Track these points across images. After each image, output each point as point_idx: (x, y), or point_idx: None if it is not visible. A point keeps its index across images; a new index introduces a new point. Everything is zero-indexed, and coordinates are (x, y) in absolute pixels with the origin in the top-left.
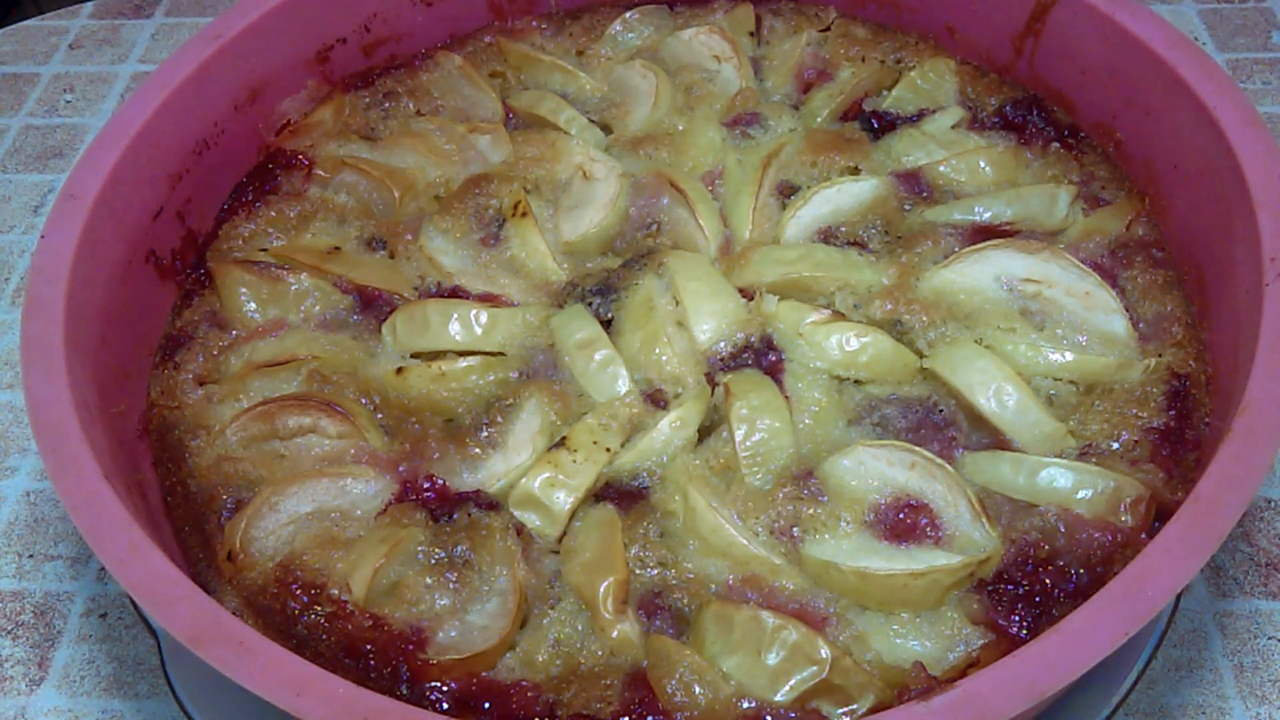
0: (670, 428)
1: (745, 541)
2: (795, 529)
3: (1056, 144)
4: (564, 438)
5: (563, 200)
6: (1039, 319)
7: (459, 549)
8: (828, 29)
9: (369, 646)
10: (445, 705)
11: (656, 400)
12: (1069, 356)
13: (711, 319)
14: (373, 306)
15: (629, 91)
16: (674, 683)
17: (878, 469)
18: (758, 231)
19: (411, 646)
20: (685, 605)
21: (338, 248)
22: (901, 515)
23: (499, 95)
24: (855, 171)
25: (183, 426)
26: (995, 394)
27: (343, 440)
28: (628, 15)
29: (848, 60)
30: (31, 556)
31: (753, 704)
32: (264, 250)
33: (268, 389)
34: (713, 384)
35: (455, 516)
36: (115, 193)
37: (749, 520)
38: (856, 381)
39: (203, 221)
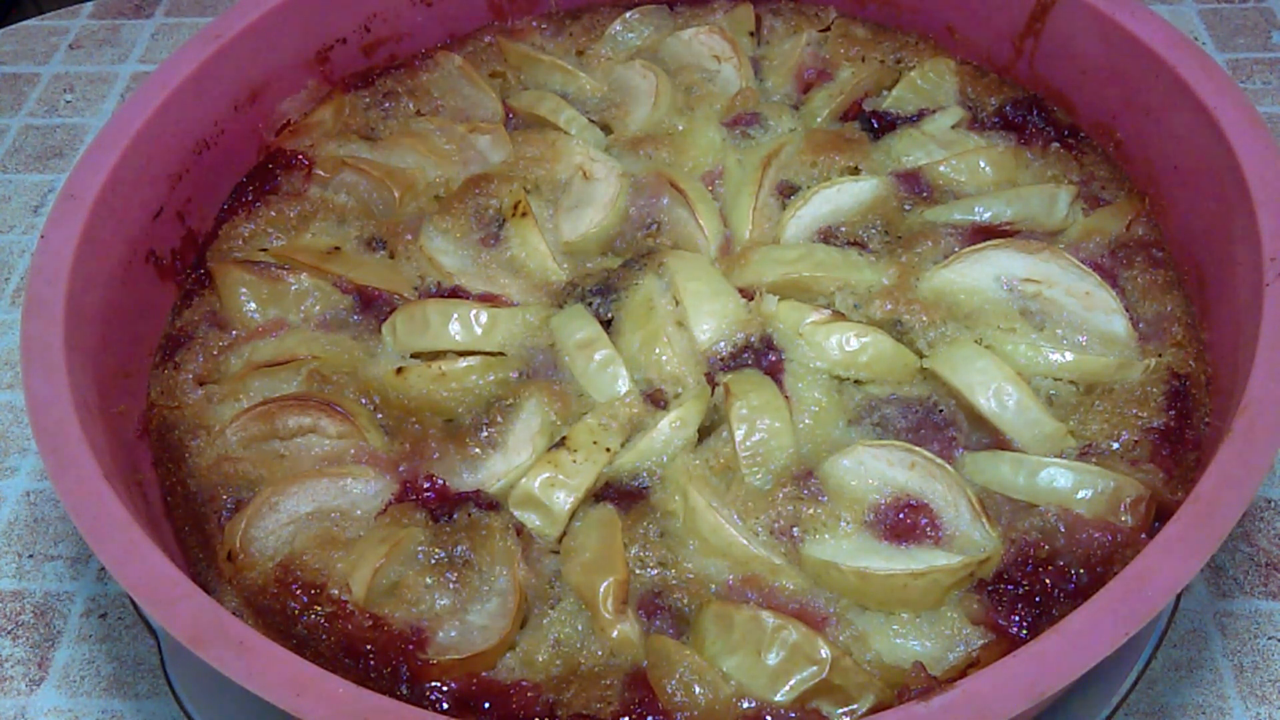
0: (670, 428)
1: (745, 541)
2: (795, 529)
3: (1056, 144)
4: (564, 438)
5: (563, 200)
6: (1039, 319)
7: (459, 549)
8: (828, 29)
9: (369, 646)
10: (445, 705)
11: (656, 400)
12: (1069, 356)
13: (711, 319)
14: (373, 306)
15: (629, 91)
16: (674, 683)
17: (878, 469)
18: (758, 231)
19: (411, 646)
20: (685, 605)
21: (338, 248)
22: (901, 515)
23: (499, 95)
24: (855, 171)
25: (183, 426)
26: (995, 394)
27: (343, 440)
28: (628, 15)
29: (848, 60)
30: (31, 556)
31: (753, 704)
32: (264, 250)
33: (268, 389)
34: (713, 384)
35: (455, 516)
36: (115, 193)
37: (749, 520)
38: (856, 381)
39: (203, 221)
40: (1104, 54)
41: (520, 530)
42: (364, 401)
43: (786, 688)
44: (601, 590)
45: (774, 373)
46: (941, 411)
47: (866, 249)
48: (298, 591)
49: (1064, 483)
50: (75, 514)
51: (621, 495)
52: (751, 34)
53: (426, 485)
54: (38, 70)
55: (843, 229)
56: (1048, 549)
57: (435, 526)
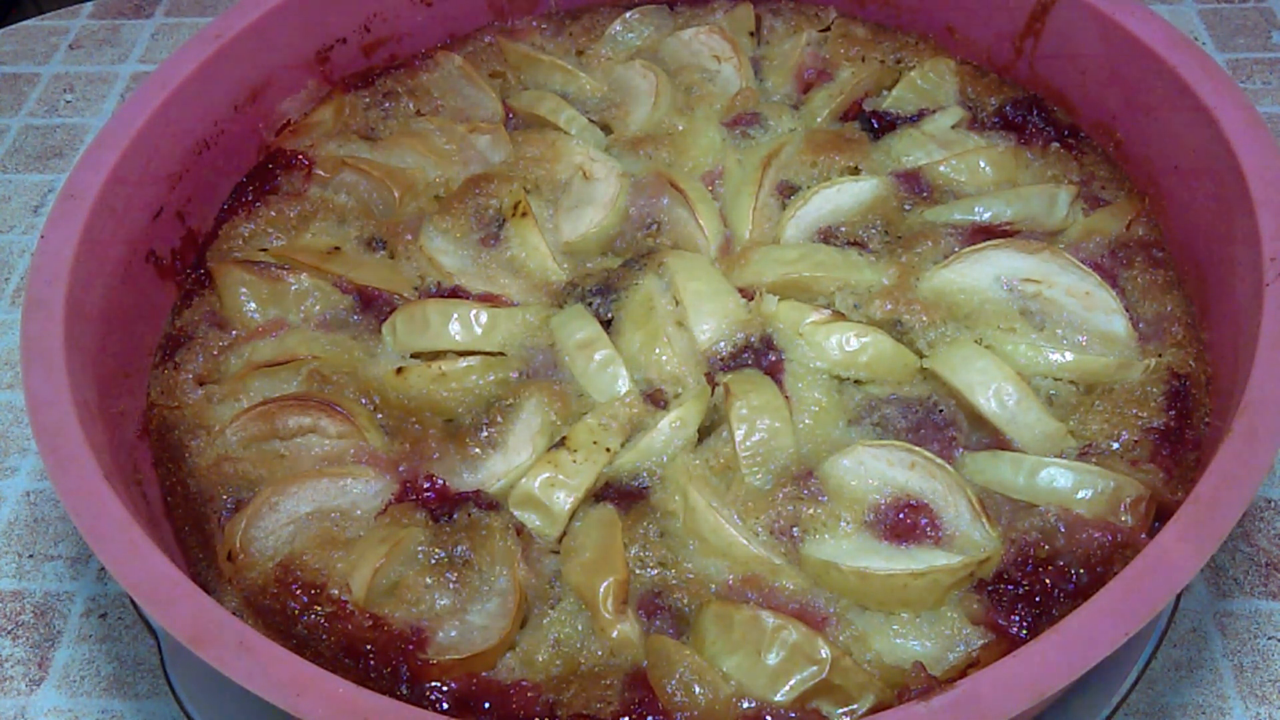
0: (670, 428)
1: (745, 541)
2: (795, 529)
3: (1056, 144)
4: (564, 438)
5: (563, 200)
6: (1039, 319)
7: (459, 549)
8: (828, 29)
9: (369, 646)
10: (445, 705)
11: (656, 400)
12: (1069, 356)
13: (711, 319)
14: (373, 306)
15: (629, 91)
16: (674, 683)
17: (878, 469)
18: (758, 231)
19: (411, 646)
20: (685, 605)
21: (338, 248)
22: (901, 515)
23: (499, 95)
24: (855, 171)
25: (183, 426)
26: (995, 394)
27: (343, 440)
28: (628, 15)
29: (848, 60)
30: (31, 556)
31: (753, 704)
32: (264, 250)
33: (268, 389)
34: (713, 384)
35: (455, 516)
36: (115, 193)
37: (749, 520)
38: (856, 381)
39: (203, 221)
40: (1104, 54)
41: (520, 530)
42: (364, 401)
43: (786, 688)
44: (601, 590)
45: (774, 373)
46: (941, 411)
47: (866, 249)
48: (298, 591)
49: (1064, 483)
50: (75, 514)
51: (621, 495)
52: (751, 34)
53: (426, 485)
54: (38, 70)
55: (843, 229)
56: (1048, 549)
57: (435, 526)
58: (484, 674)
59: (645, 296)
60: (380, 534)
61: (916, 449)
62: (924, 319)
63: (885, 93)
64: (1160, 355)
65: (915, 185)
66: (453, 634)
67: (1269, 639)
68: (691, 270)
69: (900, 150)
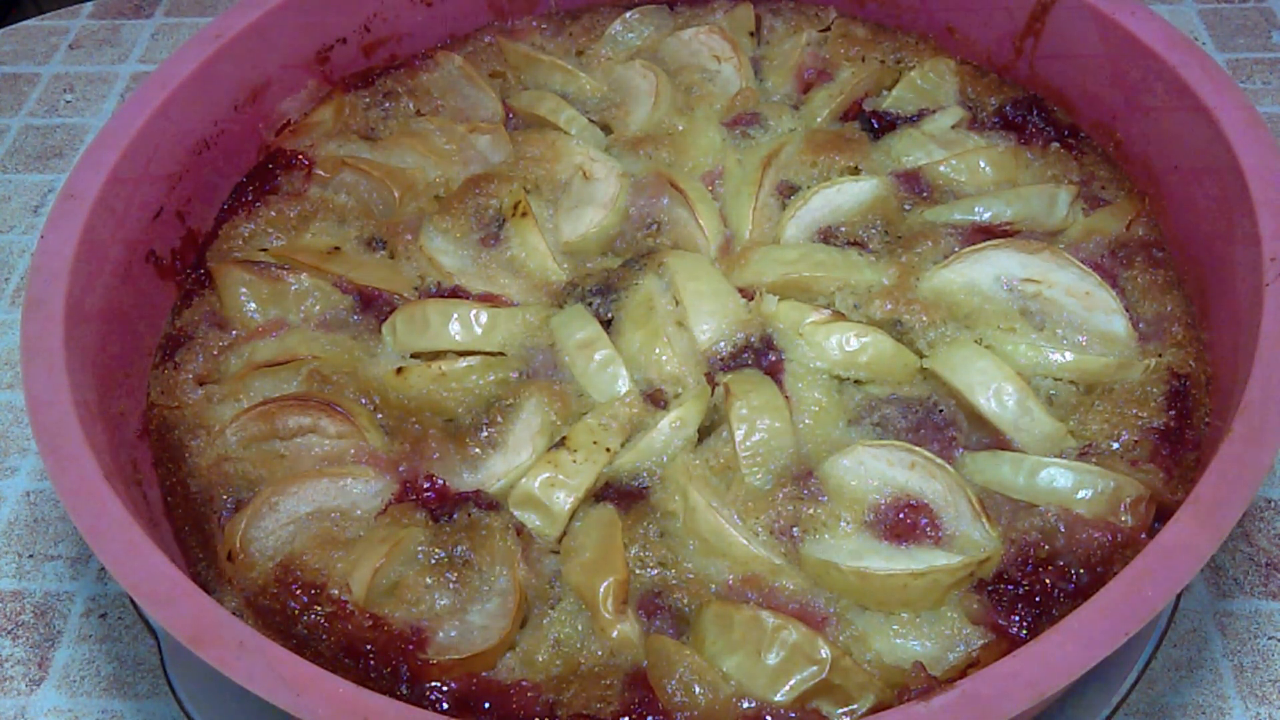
0: (670, 428)
1: (745, 541)
2: (795, 529)
3: (1056, 144)
4: (564, 438)
5: (563, 200)
6: (1039, 319)
7: (459, 549)
8: (828, 29)
9: (369, 646)
10: (445, 705)
11: (656, 400)
12: (1069, 356)
13: (711, 319)
14: (373, 306)
15: (629, 91)
16: (674, 683)
17: (878, 469)
18: (758, 231)
19: (411, 646)
20: (685, 605)
21: (338, 248)
22: (901, 515)
23: (499, 95)
24: (855, 171)
25: (183, 426)
26: (995, 394)
27: (343, 440)
28: (628, 15)
29: (848, 60)
30: (31, 556)
31: (753, 704)
32: (264, 250)
33: (268, 389)
34: (713, 384)
35: (455, 516)
36: (115, 193)
37: (749, 520)
38: (856, 381)
39: (203, 221)
40: (1104, 54)
41: (520, 530)
42: (364, 401)
43: (786, 688)
44: (601, 590)
45: (774, 373)
46: (941, 411)
47: (866, 249)
48: (298, 591)
49: (1064, 483)
50: (75, 514)
51: (621, 495)
52: (751, 34)
53: (426, 485)
54: (38, 70)
55: (843, 229)
56: (1048, 549)
57: (435, 526)
58: (484, 674)
59: (645, 296)
60: (380, 534)
61: (916, 449)
62: (924, 319)
63: (885, 93)
64: (1160, 355)
65: (915, 185)
66: (453, 634)
67: (1269, 639)
68: (691, 270)
69: (900, 150)
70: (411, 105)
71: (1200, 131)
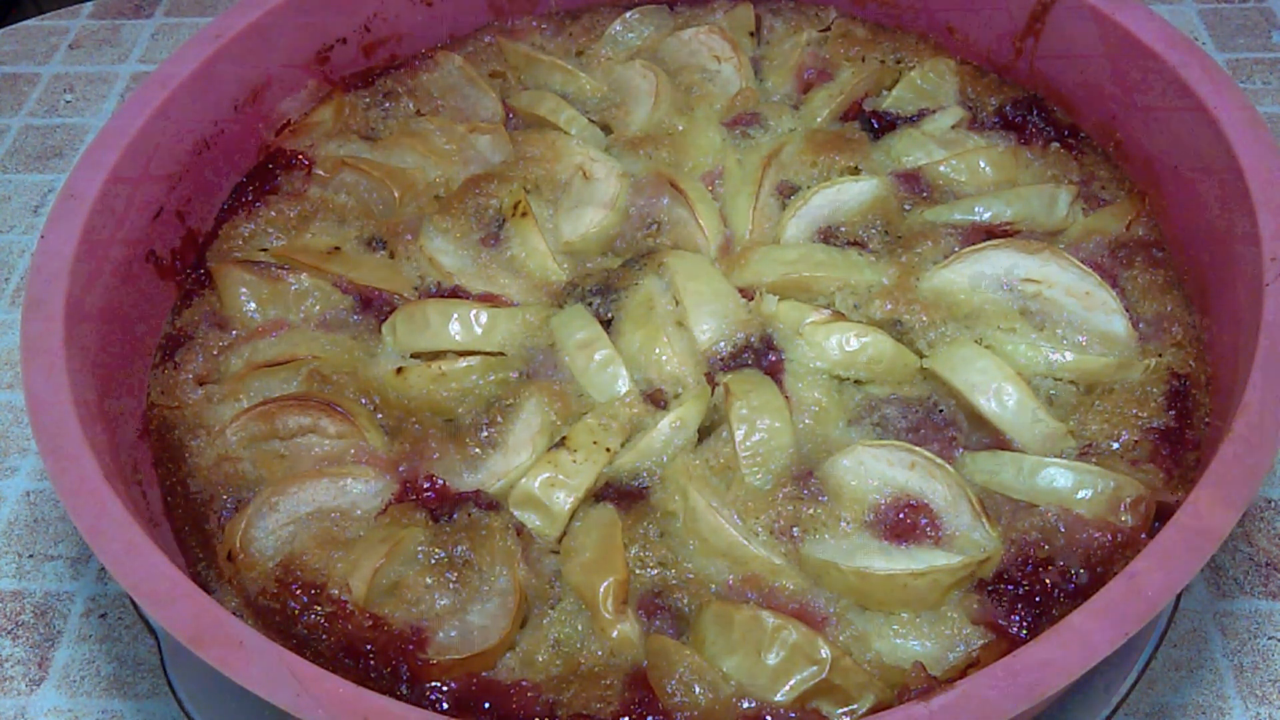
0: (670, 427)
1: (745, 541)
2: (795, 529)
3: (1056, 144)
4: (564, 438)
5: (563, 200)
6: (1039, 319)
7: (459, 549)
8: (828, 29)
9: (369, 646)
10: (445, 705)
11: (656, 400)
12: (1069, 356)
13: (711, 319)
14: (373, 306)
15: (629, 91)
16: (674, 683)
17: (878, 469)
18: (758, 231)
19: (411, 646)
20: (685, 605)
21: (338, 248)
22: (901, 515)
23: (499, 95)
24: (855, 171)
25: (183, 426)
26: (995, 394)
27: (343, 440)
28: (628, 15)
29: (848, 60)
30: (31, 556)
31: (753, 704)
32: (264, 250)
33: (268, 389)
34: (713, 384)
35: (455, 516)
36: (115, 193)
37: (749, 520)
38: (856, 381)
39: (203, 221)
40: (1104, 54)
41: (520, 530)
42: (364, 401)
43: (786, 688)
44: (601, 590)
45: (774, 373)
46: (941, 411)
47: (866, 249)
48: (298, 591)
49: (1064, 483)
50: (75, 514)
51: (621, 495)
52: (751, 34)
53: (426, 485)
54: (38, 70)
55: (843, 229)
56: (1048, 549)
57: (435, 526)
58: (484, 674)
59: (645, 296)
60: (380, 534)
61: (916, 449)
62: (924, 319)
63: (885, 93)
64: (1160, 355)
65: (915, 185)
66: (453, 634)
67: (1269, 639)
68: (691, 270)
69: (900, 150)
70: (411, 105)
71: (1200, 131)
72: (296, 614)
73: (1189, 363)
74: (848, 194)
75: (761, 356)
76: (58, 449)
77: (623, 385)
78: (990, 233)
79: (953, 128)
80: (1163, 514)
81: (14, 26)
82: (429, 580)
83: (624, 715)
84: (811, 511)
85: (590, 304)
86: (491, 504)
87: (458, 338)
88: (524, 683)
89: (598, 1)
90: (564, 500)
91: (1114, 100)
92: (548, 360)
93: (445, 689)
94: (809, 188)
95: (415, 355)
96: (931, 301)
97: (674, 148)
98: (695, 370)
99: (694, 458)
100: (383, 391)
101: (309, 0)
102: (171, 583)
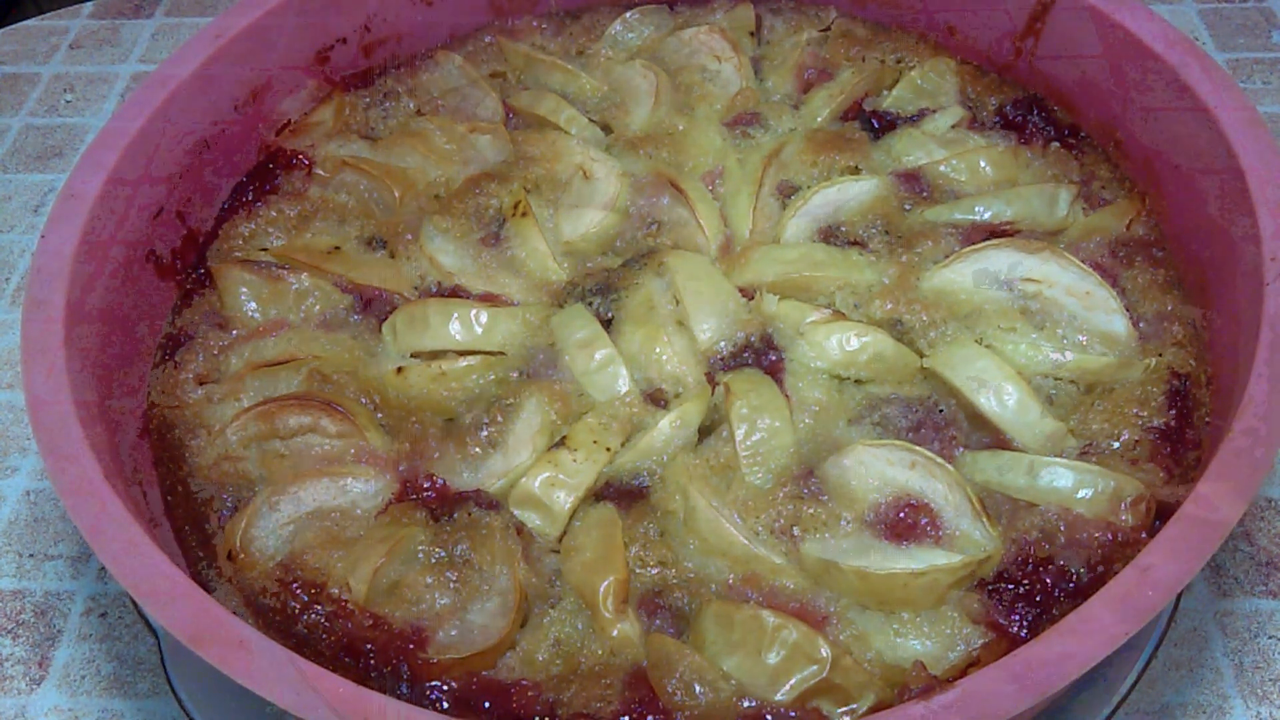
0: (670, 427)
1: (745, 541)
2: (795, 528)
3: (1057, 143)
4: (564, 437)
5: (563, 200)
6: (1039, 318)
7: (459, 548)
8: (828, 29)
9: (369, 646)
10: (445, 704)
11: (657, 400)
12: (1069, 356)
13: (712, 318)
14: (373, 306)
15: (629, 91)
16: (674, 682)
17: (878, 468)
18: (758, 231)
19: (412, 646)
20: (685, 604)
21: (338, 247)
22: (902, 514)
23: (499, 95)
24: (855, 171)
25: (183, 426)
26: (996, 393)
27: (343, 440)
28: (628, 15)
29: (848, 60)
30: (32, 556)
31: (753, 703)
32: (264, 250)
33: (268, 388)
34: (713, 383)
35: (455, 516)
36: (115, 193)
37: (749, 519)
38: (857, 381)
39: (203, 221)
40: (1104, 54)
41: (520, 530)
42: (364, 401)
43: (787, 687)
44: (602, 589)
45: (774, 372)
46: (942, 411)
47: (867, 248)
48: (298, 591)
49: (1064, 482)
50: (75, 513)
51: (622, 495)
52: (752, 34)
53: (427, 485)
54: (38, 70)
55: (843, 228)
56: (1048, 548)
57: (435, 526)
58: (484, 673)
59: (645, 296)
60: (380, 533)
61: (917, 448)
62: (924, 318)
63: (885, 92)
64: (1160, 355)
65: (915, 185)
66: (453, 633)
67: (1269, 638)
68: (692, 270)
69: (900, 150)
70: (412, 105)
71: (1200, 131)
72: (297, 613)
73: (1189, 362)
74: (848, 194)
75: (762, 356)
76: (58, 449)
77: (623, 385)
78: (991, 232)
79: (953, 127)
80: (1163, 513)
81: (14, 26)
82: (429, 580)
83: (624, 714)
84: (812, 511)
85: (590, 303)
86: (492, 503)
87: (458, 337)
88: (524, 682)
89: (598, 1)
90: (564, 500)
91: (1114, 100)
92: (548, 360)
93: (445, 688)
94: (809, 187)
95: (415, 355)
96: (932, 301)
97: (674, 147)
98: (695, 370)
99: (694, 457)
100: (383, 391)
101: (309, 0)
102: (171, 582)
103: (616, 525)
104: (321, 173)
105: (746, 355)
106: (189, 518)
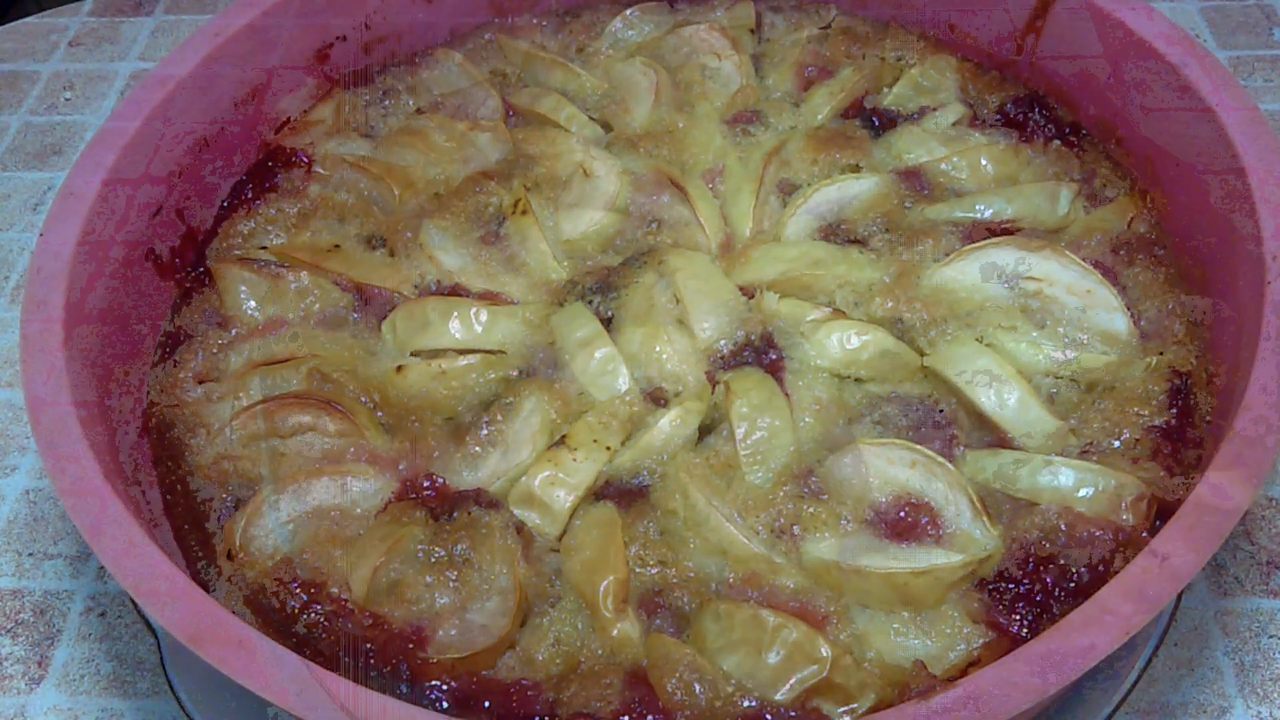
0: (670, 426)
1: (745, 540)
2: (795, 527)
3: (1057, 141)
4: (564, 436)
5: (563, 198)
6: (1040, 317)
7: (459, 547)
8: (828, 26)
9: (369, 645)
10: (445, 704)
11: (657, 398)
12: (1070, 354)
13: (712, 317)
14: (372, 304)
15: (629, 89)
16: (674, 681)
17: (878, 467)
18: (758, 229)
19: (411, 645)
20: (685, 604)
21: (337, 245)
22: (902, 514)
23: (499, 92)
24: (856, 169)
25: (183, 425)
26: (996, 392)
27: (343, 438)
28: (628, 12)
29: (848, 57)
30: (31, 555)
31: (753, 703)
32: (264, 248)
33: (267, 387)
34: (713, 382)
35: (455, 515)
36: (114, 191)
37: (749, 518)
38: (857, 379)
39: (202, 219)
40: (1105, 51)
41: (520, 529)
42: (364, 400)
43: (787, 686)
44: (602, 589)
45: (774, 371)
46: (942, 410)
47: (867, 247)
48: (298, 590)
49: (1065, 481)
50: (74, 513)
51: (622, 494)
52: (752, 31)
53: (426, 484)
54: (37, 68)
55: (843, 226)
56: (1049, 547)
57: (435, 525)
58: (484, 673)
59: (646, 294)
60: (380, 532)
61: (917, 447)
62: (925, 317)
63: (886, 90)
64: (1161, 353)
65: (916, 183)
66: (453, 632)
67: (1270, 637)
68: (692, 268)
69: (901, 148)
70: (411, 103)
71: (1201, 129)
72: (296, 612)
73: (1190, 360)
74: (849, 191)
75: (762, 354)
76: (57, 448)
77: (623, 383)
78: (991, 230)
79: (954, 125)
80: (1164, 512)
81: (14, 24)
82: (429, 579)
83: (624, 714)
84: (812, 510)
85: (590, 302)
86: (492, 502)
87: (458, 336)
88: (524, 681)
89: None
90: (564, 499)
91: (1115, 97)
92: (548, 358)
93: (445, 688)
94: (810, 185)
95: (415, 353)
96: (932, 299)
97: (674, 145)
98: (696, 368)
99: (694, 456)
100: (383, 390)
101: None
102: (171, 582)
103: (616, 524)
104: (321, 171)
105: (747, 354)
106: (189, 517)
